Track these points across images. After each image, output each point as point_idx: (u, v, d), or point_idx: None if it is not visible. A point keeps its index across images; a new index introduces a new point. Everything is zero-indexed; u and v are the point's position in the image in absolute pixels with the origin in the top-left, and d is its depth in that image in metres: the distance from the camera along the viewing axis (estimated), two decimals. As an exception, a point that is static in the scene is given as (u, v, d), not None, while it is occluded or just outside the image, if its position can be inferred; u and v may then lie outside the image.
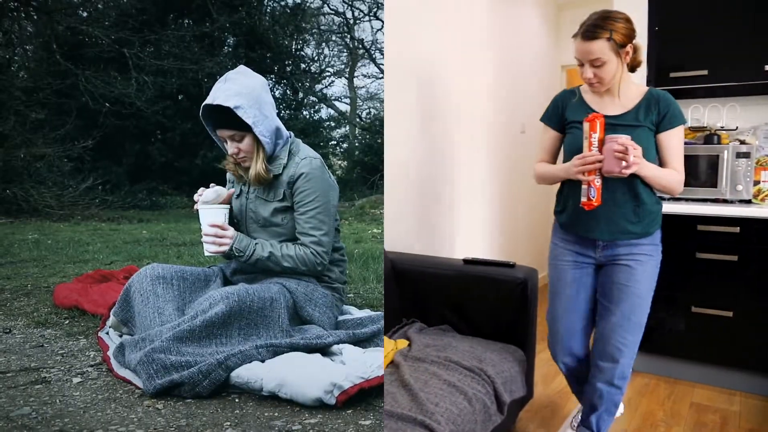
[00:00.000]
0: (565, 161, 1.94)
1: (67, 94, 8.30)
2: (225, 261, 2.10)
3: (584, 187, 1.80)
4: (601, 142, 1.76)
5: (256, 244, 1.89)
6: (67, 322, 2.29)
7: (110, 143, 8.87)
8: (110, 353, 1.79)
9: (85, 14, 9.21)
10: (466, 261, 2.33)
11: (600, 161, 1.75)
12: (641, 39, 2.86)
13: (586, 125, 1.77)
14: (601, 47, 1.77)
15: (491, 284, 2.20)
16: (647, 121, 1.86)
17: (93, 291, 2.54)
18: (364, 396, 1.48)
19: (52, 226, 6.19)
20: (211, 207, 1.87)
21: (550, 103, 2.04)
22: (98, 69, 8.34)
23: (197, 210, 1.89)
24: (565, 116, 1.98)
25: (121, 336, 1.94)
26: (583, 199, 1.81)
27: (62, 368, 1.75)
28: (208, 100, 1.84)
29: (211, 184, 1.96)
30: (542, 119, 2.05)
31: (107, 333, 2.01)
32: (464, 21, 3.40)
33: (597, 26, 1.77)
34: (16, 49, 9.14)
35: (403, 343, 2.14)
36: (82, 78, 8.06)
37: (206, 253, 1.88)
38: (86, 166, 8.35)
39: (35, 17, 8.90)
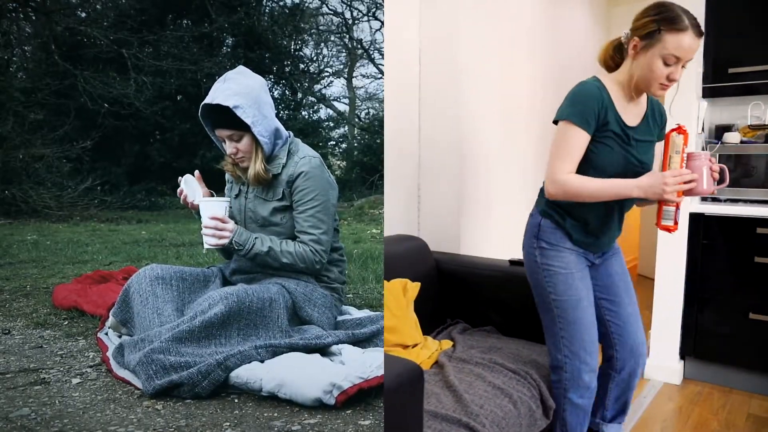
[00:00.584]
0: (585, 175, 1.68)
1: (66, 95, 8.30)
2: (224, 261, 2.10)
3: (669, 209, 1.62)
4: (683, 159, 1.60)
5: (255, 238, 1.88)
6: (66, 323, 2.29)
7: (109, 144, 8.86)
8: (109, 354, 1.79)
9: (83, 15, 9.19)
10: (512, 262, 2.33)
11: (694, 180, 1.57)
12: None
13: (679, 138, 1.58)
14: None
15: None
16: (654, 135, 1.77)
17: (92, 292, 2.53)
18: (364, 396, 1.48)
19: (51, 227, 6.18)
20: (211, 200, 1.87)
21: (586, 100, 1.64)
22: (97, 69, 8.33)
23: (198, 204, 1.88)
24: (606, 120, 1.66)
25: (120, 337, 1.94)
26: (668, 223, 1.63)
27: (61, 369, 1.75)
28: (207, 100, 1.85)
29: (179, 179, 1.95)
30: (575, 119, 1.63)
31: (106, 334, 2.01)
32: (506, 17, 3.33)
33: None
34: (15, 49, 9.13)
35: (447, 344, 2.16)
36: (81, 78, 8.05)
37: (206, 246, 1.86)
38: (85, 166, 8.34)
39: (34, 18, 8.89)
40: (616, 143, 1.67)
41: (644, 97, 1.76)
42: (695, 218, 2.85)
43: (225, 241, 1.84)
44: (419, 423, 1.33)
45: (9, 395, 1.54)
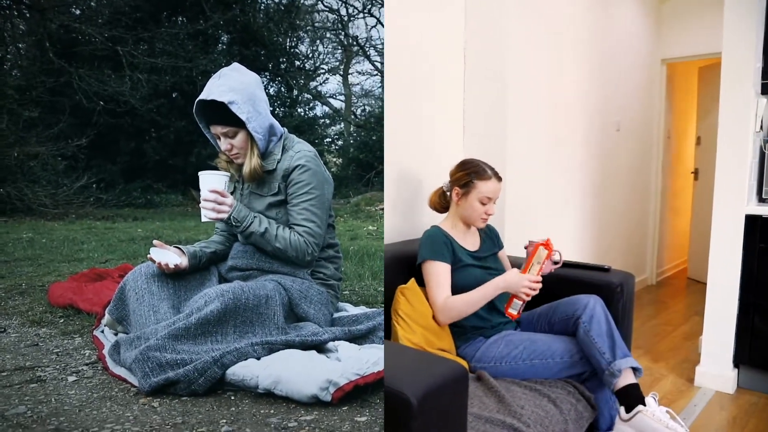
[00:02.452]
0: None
1: (61, 93, 8.25)
2: (221, 234, 2.08)
3: (518, 302, 1.97)
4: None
5: (254, 217, 1.87)
6: (62, 320, 2.29)
7: (104, 141, 8.82)
8: (105, 352, 1.79)
9: (78, 12, 9.14)
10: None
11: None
12: (759, 29, 2.58)
13: (544, 252, 1.96)
14: None
15: (586, 288, 2.16)
16: (497, 247, 2.25)
17: (88, 290, 2.53)
18: (360, 392, 1.48)
19: (47, 225, 6.17)
20: (211, 173, 1.84)
21: (434, 241, 2.07)
22: (92, 67, 8.30)
23: (200, 174, 1.85)
24: (454, 251, 2.08)
25: (116, 334, 1.94)
26: (513, 312, 1.98)
27: (57, 367, 1.75)
28: (203, 96, 1.84)
29: (147, 256, 1.92)
30: (432, 257, 2.03)
31: (102, 331, 2.01)
32: (553, 13, 3.29)
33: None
34: (9, 47, 9.08)
35: None
36: (76, 76, 8.02)
37: (204, 219, 1.86)
38: (80, 164, 8.30)
39: (28, 15, 8.84)
40: (470, 265, 2.08)
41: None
42: (752, 220, 2.71)
43: (224, 215, 1.83)
44: (463, 422, 1.35)
45: (5, 393, 1.54)
